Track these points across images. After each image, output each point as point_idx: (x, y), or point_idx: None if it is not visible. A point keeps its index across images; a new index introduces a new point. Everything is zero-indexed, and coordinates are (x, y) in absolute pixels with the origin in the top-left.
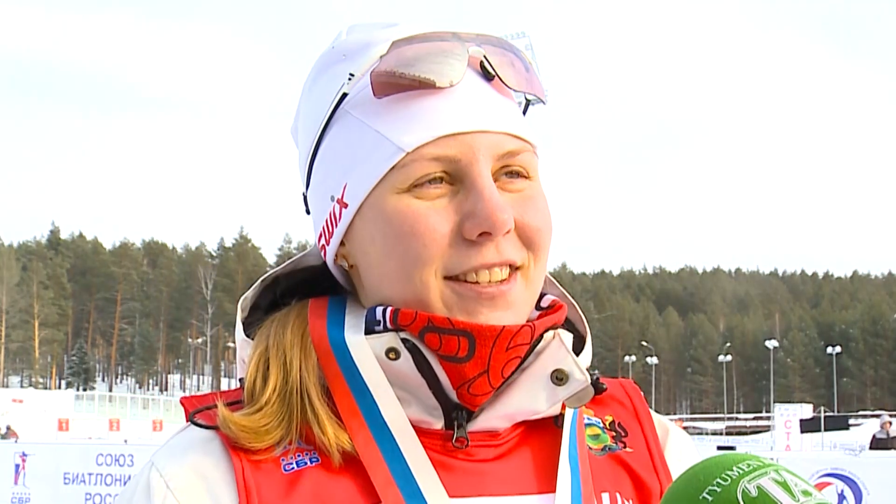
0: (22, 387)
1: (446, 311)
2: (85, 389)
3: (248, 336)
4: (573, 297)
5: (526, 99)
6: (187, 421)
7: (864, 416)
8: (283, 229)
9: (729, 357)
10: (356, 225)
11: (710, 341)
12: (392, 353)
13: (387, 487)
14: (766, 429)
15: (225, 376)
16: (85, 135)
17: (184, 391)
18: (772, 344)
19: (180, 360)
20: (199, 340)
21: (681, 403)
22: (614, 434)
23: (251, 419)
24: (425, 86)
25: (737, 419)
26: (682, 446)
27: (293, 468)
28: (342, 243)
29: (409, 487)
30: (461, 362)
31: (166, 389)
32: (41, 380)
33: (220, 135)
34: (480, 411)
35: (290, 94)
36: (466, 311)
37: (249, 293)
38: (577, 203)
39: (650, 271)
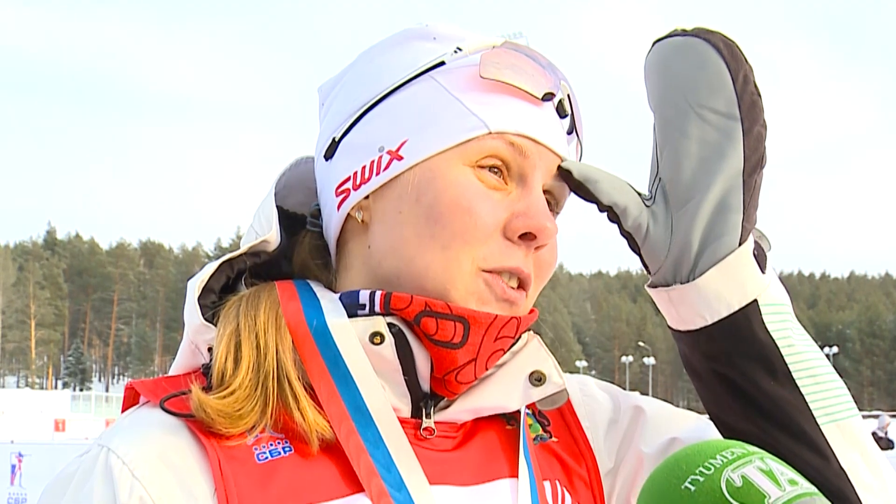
0: (18, 387)
1: (463, 293)
2: (81, 390)
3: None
4: (570, 298)
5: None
6: (126, 406)
7: (862, 417)
8: None
9: None
10: (400, 180)
11: None
12: (377, 337)
13: (370, 477)
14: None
15: None
16: (81, 135)
17: None
18: None
19: None
20: None
21: (678, 404)
22: (543, 422)
23: (225, 402)
24: (526, 90)
25: None
26: (585, 396)
27: (267, 458)
28: (367, 196)
29: (392, 478)
30: (455, 348)
31: None
32: (37, 380)
33: (217, 135)
34: (450, 403)
35: (287, 95)
36: (482, 300)
37: (206, 274)
38: (574, 203)
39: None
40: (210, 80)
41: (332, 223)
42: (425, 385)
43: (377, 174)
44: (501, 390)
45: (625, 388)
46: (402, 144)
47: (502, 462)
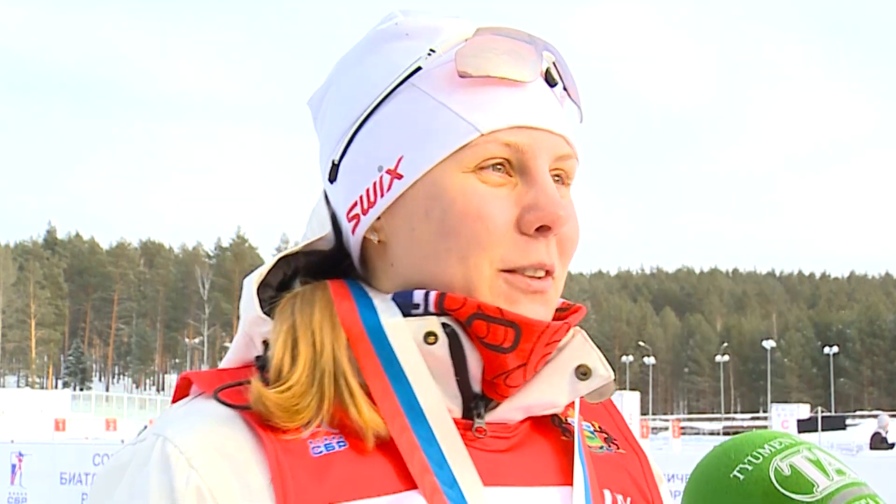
0: (18, 386)
1: (490, 298)
2: (81, 389)
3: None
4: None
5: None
6: (177, 398)
7: (862, 417)
8: (279, 229)
9: (726, 357)
10: (406, 198)
11: (707, 341)
12: (431, 336)
13: (423, 474)
14: (764, 429)
15: None
16: (81, 134)
17: None
18: (769, 344)
19: (177, 360)
20: (196, 340)
21: (678, 403)
22: (605, 437)
23: (283, 397)
24: (507, 77)
25: (734, 419)
26: (655, 465)
27: (321, 452)
28: (378, 217)
29: (445, 475)
30: (504, 352)
31: (163, 389)
32: (38, 380)
33: (217, 135)
34: (500, 403)
35: (289, 94)
36: (510, 300)
37: (265, 269)
38: (574, 203)
39: (647, 271)
40: (211, 80)
41: (351, 244)
42: (476, 386)
43: (381, 196)
44: (549, 387)
45: (624, 388)
46: (399, 162)
47: (557, 469)
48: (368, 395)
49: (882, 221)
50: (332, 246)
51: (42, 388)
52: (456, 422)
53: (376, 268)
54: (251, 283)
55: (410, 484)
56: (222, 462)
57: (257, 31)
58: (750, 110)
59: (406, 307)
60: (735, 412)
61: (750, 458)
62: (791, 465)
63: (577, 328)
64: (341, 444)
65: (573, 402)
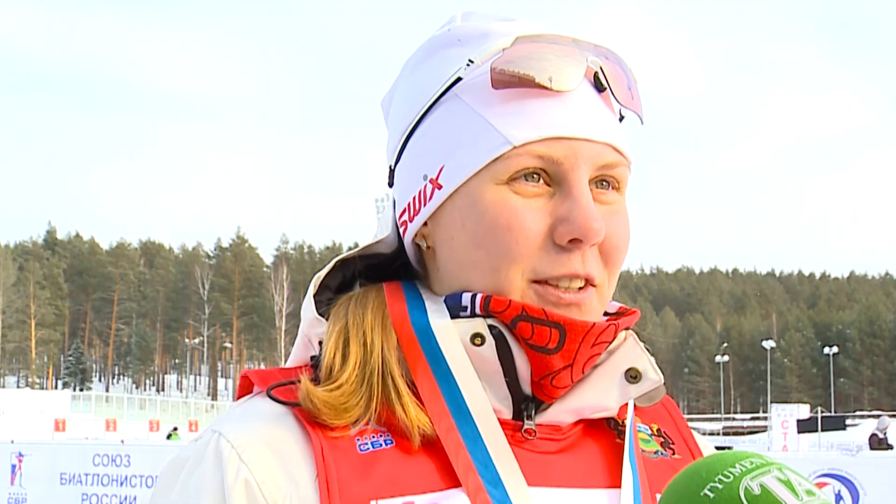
0: (18, 387)
1: None
2: (81, 390)
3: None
4: None
5: (621, 115)
6: (240, 395)
7: (862, 417)
8: (279, 230)
9: (726, 357)
10: (446, 208)
11: (707, 342)
12: (478, 338)
13: (467, 473)
14: (763, 429)
15: (222, 376)
16: (81, 134)
17: (180, 392)
18: (769, 344)
19: (177, 361)
20: (196, 341)
21: (678, 403)
22: (662, 441)
23: (332, 395)
24: (543, 87)
25: (734, 419)
26: None
27: (368, 449)
28: (425, 223)
29: (489, 474)
30: (549, 353)
31: (163, 390)
32: (38, 380)
33: (217, 135)
34: (550, 404)
35: (288, 94)
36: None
37: (323, 272)
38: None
39: (647, 272)
40: (210, 80)
41: (406, 247)
42: (526, 388)
43: (424, 204)
44: (599, 390)
45: None
46: (441, 171)
47: (607, 471)
48: (416, 394)
49: (882, 221)
50: (393, 248)
51: (42, 388)
52: (505, 423)
53: (429, 270)
54: (310, 286)
55: (454, 482)
56: (271, 457)
57: (258, 31)
58: (750, 110)
59: (455, 309)
60: (735, 412)
61: (721, 476)
62: (761, 485)
63: (630, 331)
64: (388, 441)
65: (627, 405)
